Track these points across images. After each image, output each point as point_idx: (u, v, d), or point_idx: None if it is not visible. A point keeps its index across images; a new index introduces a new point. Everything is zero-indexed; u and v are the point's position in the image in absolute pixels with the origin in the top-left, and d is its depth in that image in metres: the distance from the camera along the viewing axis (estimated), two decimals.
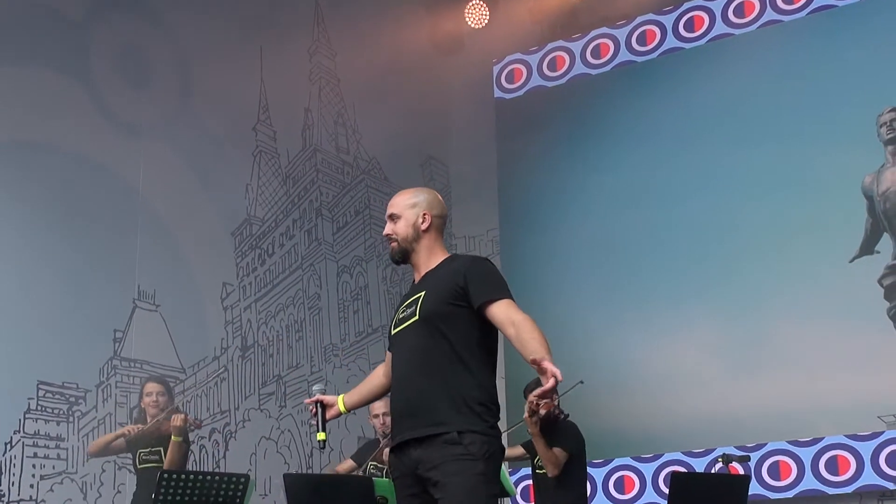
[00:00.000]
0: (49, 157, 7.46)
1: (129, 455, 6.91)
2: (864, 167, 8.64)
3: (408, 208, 4.16)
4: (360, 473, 6.99)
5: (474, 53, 10.76)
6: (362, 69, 10.03)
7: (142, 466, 6.69)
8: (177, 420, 6.50)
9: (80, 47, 7.85)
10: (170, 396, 6.85)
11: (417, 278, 4.16)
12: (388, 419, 7.17)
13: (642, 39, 9.98)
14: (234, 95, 8.88)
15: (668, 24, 9.86)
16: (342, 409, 4.32)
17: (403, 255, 4.16)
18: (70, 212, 7.51)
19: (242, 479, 6.15)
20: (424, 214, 4.15)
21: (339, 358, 9.27)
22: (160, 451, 6.61)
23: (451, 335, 3.92)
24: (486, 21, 10.67)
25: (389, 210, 4.20)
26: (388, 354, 4.25)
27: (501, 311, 3.89)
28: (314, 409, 4.31)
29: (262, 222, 8.95)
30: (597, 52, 10.20)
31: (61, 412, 7.19)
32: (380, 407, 7.28)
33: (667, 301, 9.24)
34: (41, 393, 7.12)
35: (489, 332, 3.98)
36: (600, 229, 9.69)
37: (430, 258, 4.14)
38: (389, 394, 4.14)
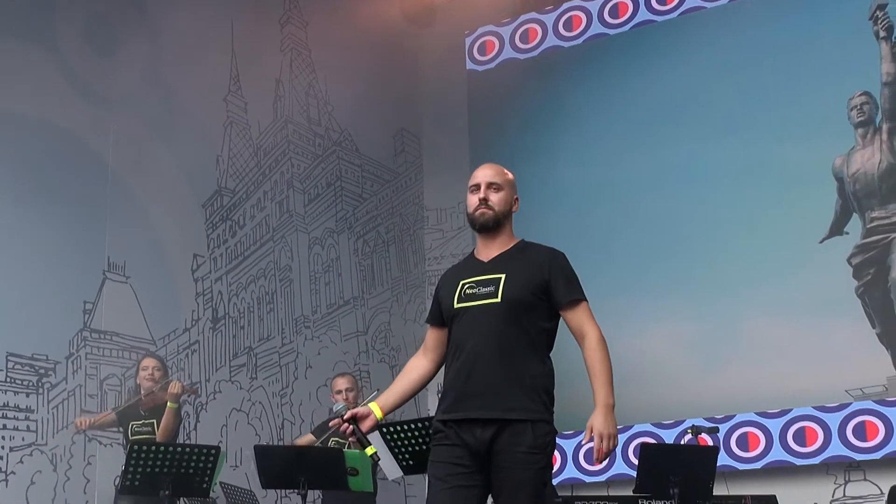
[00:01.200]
0: (17, 127, 7.39)
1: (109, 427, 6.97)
2: (835, 149, 8.72)
3: (508, 185, 4.22)
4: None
5: (446, 25, 10.71)
6: (334, 40, 9.98)
7: (134, 438, 6.70)
8: (175, 387, 6.57)
9: (48, 16, 7.77)
10: (165, 373, 6.89)
11: (487, 256, 4.18)
12: (353, 395, 7.19)
13: (615, 12, 9.97)
14: (204, 66, 8.81)
15: None
16: (379, 415, 4.17)
17: (496, 226, 4.17)
18: (39, 183, 7.45)
19: (213, 451, 6.16)
20: (516, 199, 4.26)
21: (311, 330, 9.26)
22: (153, 423, 6.64)
23: (529, 324, 4.02)
24: None
25: (490, 178, 4.20)
26: (433, 333, 4.22)
27: (578, 317, 4.10)
28: (349, 428, 4.13)
29: (233, 194, 8.91)
30: (569, 25, 10.18)
31: (31, 384, 7.16)
32: (342, 383, 7.28)
33: (639, 276, 9.28)
34: (10, 365, 7.08)
35: (557, 325, 4.15)
36: (573, 204, 9.71)
37: (508, 240, 4.21)
38: (449, 369, 4.08)
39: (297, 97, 9.70)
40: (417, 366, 4.24)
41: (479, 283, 4.09)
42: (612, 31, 9.97)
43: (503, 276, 4.06)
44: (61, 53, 7.78)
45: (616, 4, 9.96)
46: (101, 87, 7.99)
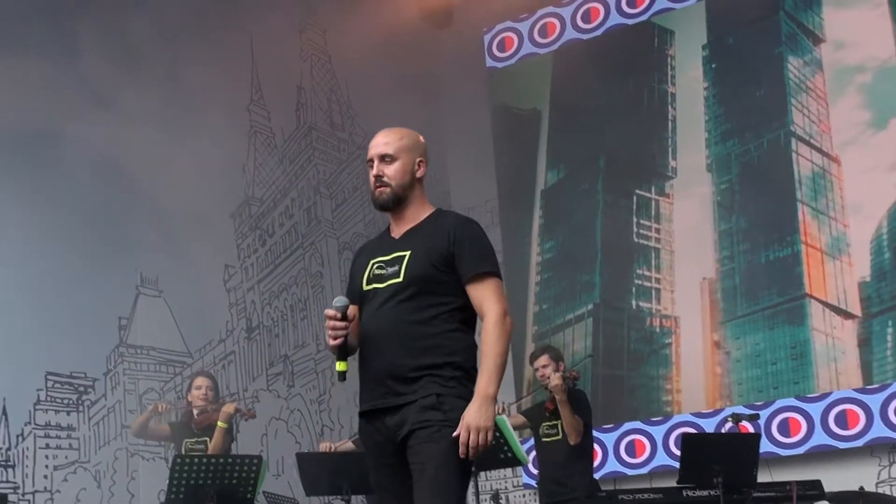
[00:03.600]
0: (45, 148, 7.43)
1: (157, 442, 7.03)
2: None
3: (404, 151, 3.83)
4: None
5: (464, 23, 10.69)
6: (353, 45, 9.98)
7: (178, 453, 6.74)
8: (229, 407, 6.62)
9: (69, 35, 7.79)
10: (217, 392, 6.93)
11: (398, 232, 3.86)
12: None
13: (632, 1, 9.93)
14: (225, 76, 8.84)
15: None
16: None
17: (397, 203, 3.81)
18: (68, 202, 7.47)
19: (255, 461, 6.18)
20: (420, 161, 3.86)
21: None
22: (206, 440, 6.67)
23: (435, 301, 3.69)
24: None
25: (381, 150, 3.82)
26: (354, 310, 3.84)
27: (479, 294, 3.70)
28: (341, 328, 3.71)
29: (261, 202, 8.93)
30: (587, 17, 10.14)
31: (71, 402, 7.20)
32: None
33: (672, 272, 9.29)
34: (50, 384, 7.12)
35: None
36: (599, 196, 9.69)
37: (419, 211, 3.86)
38: (360, 357, 3.81)
39: (319, 103, 9.71)
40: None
41: (387, 263, 3.77)
42: (630, 21, 9.93)
43: (408, 252, 3.74)
44: (83, 71, 7.81)
45: None
46: (124, 102, 8.00)
